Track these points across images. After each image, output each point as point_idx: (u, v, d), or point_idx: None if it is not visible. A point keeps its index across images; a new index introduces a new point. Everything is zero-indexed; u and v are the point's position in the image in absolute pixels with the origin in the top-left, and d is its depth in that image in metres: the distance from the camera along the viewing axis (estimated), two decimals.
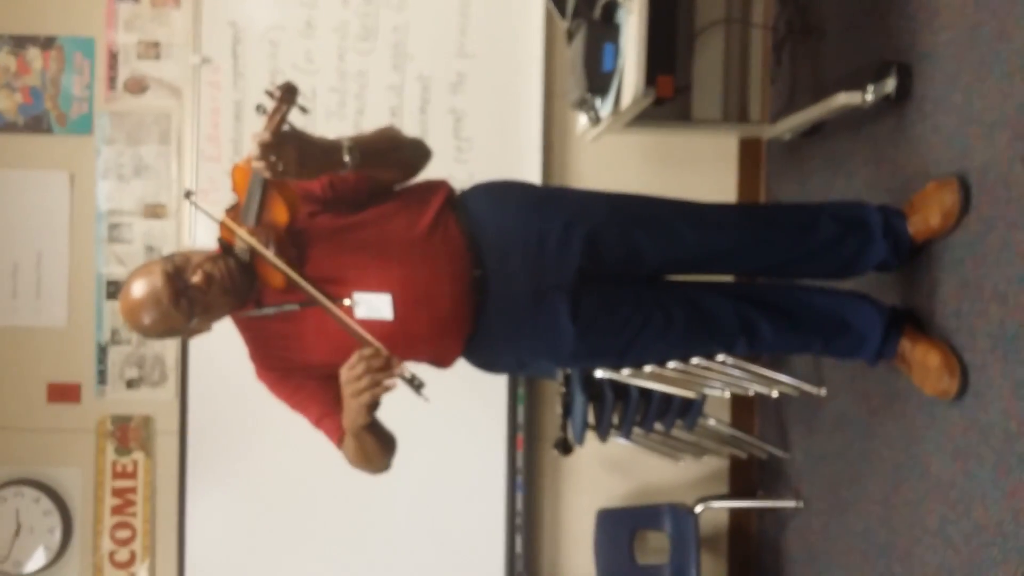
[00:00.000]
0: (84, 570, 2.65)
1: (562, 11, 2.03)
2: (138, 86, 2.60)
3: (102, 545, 2.64)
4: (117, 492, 2.63)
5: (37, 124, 2.60)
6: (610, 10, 1.84)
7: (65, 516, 2.61)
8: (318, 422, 1.52)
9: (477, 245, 1.52)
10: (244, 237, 1.39)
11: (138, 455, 2.63)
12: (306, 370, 1.53)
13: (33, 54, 2.59)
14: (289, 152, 1.30)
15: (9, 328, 2.61)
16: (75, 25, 2.59)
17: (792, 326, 1.69)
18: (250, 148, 1.30)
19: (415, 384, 1.29)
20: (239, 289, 1.45)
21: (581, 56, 1.85)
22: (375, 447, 1.44)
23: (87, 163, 2.61)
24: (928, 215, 1.66)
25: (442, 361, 1.61)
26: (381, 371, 1.28)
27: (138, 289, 1.41)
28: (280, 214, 1.41)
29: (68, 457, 2.63)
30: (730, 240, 1.65)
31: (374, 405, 1.32)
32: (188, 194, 1.50)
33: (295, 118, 1.33)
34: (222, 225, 1.45)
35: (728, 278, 1.93)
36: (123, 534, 2.64)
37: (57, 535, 2.60)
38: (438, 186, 1.60)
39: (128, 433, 2.63)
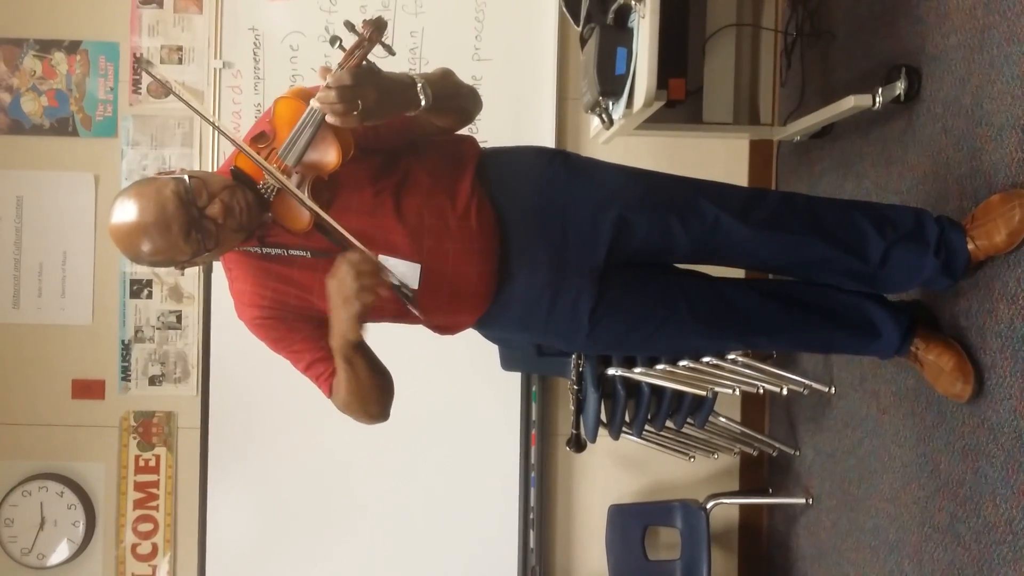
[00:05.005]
0: (107, 563, 2.68)
1: (575, 16, 2.05)
2: (161, 90, 2.64)
3: (125, 538, 2.67)
4: (140, 486, 2.67)
5: (63, 127, 2.64)
6: (623, 15, 1.86)
7: (88, 510, 2.64)
8: (308, 367, 1.39)
9: (503, 221, 1.40)
10: (277, 176, 1.23)
11: (160, 450, 2.67)
12: (304, 315, 1.38)
13: (59, 58, 2.64)
14: (369, 94, 1.15)
15: (35, 326, 2.65)
16: (100, 30, 2.63)
17: (816, 323, 1.60)
18: (322, 83, 1.14)
19: (405, 292, 1.20)
20: (252, 227, 1.29)
21: (594, 60, 1.85)
22: (368, 377, 1.31)
23: (112, 165, 2.65)
24: (992, 230, 1.48)
25: (448, 330, 1.51)
26: (370, 276, 1.16)
27: (142, 209, 1.19)
28: (331, 156, 1.26)
29: (92, 452, 2.66)
30: (772, 246, 1.51)
31: (365, 315, 1.18)
32: (141, 61, 1.34)
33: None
34: (242, 155, 1.27)
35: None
36: (145, 527, 2.68)
37: (81, 528, 2.63)
38: (468, 145, 1.47)
39: (151, 429, 2.66)
